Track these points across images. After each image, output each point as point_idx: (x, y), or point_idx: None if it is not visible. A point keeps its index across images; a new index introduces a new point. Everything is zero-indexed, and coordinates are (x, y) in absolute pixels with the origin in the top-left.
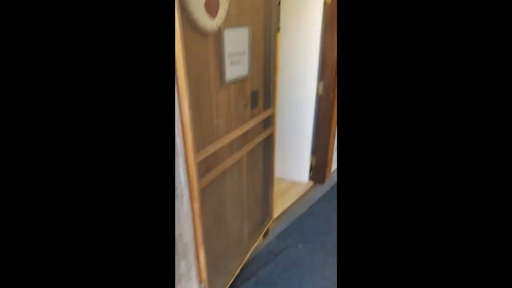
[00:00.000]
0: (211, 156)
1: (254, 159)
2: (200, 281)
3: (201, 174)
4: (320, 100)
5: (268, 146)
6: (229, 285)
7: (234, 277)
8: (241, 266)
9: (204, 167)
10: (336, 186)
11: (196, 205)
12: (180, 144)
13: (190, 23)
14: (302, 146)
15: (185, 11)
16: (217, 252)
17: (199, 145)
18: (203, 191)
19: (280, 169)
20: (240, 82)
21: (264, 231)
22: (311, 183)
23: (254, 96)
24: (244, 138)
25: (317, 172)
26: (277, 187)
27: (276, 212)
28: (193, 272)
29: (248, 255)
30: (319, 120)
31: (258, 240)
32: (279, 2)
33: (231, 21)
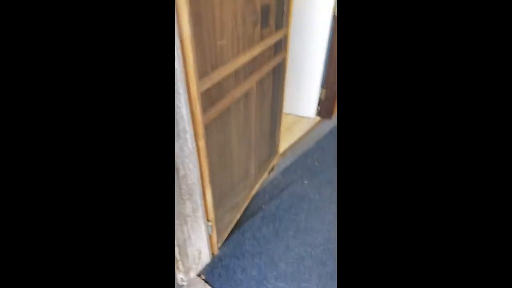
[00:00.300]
0: (215, 85)
1: (263, 90)
2: (207, 221)
3: (205, 107)
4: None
5: (278, 75)
6: (235, 221)
7: (240, 214)
8: (247, 203)
9: (208, 99)
10: None
11: (202, 142)
12: (179, 68)
13: None
14: (312, 78)
15: None
16: (224, 189)
17: (202, 72)
18: (208, 126)
19: (288, 103)
20: None
21: (270, 168)
22: (318, 118)
23: (265, 12)
24: (253, 64)
25: (325, 106)
26: (282, 122)
27: (281, 148)
28: (200, 213)
29: (254, 191)
30: (332, 48)
31: (264, 176)
32: None
33: None
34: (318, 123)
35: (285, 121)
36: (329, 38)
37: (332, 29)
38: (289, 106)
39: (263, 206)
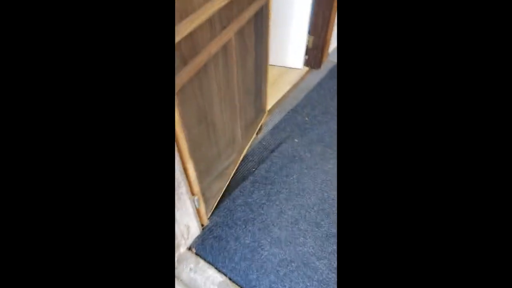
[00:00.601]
0: (186, 39)
1: (244, 41)
2: (192, 195)
3: (176, 67)
4: None
5: (261, 22)
6: (224, 188)
7: (229, 180)
8: (235, 168)
9: (178, 57)
10: (334, 70)
11: (175, 112)
12: None
13: None
14: (298, 24)
15: None
16: (209, 158)
17: None
18: (182, 91)
19: (272, 54)
20: None
21: (258, 128)
22: (306, 68)
23: None
24: (230, 10)
25: (314, 55)
26: (268, 75)
27: (269, 105)
28: (183, 189)
29: (242, 156)
30: None
31: (252, 138)
32: None
33: None
34: (306, 73)
35: (271, 74)
36: None
37: None
38: (274, 56)
39: (253, 170)
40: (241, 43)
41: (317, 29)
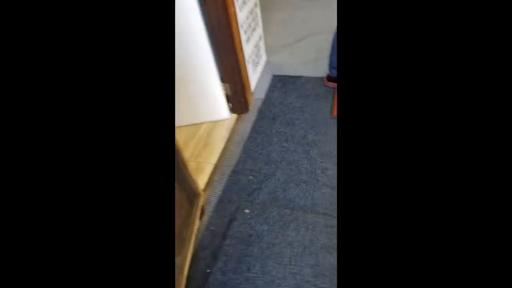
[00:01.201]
0: None
1: None
2: None
3: None
4: (206, 4)
5: None
6: None
7: None
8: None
9: None
10: (263, 109)
11: None
12: None
13: None
14: (206, 75)
15: None
16: None
17: None
18: None
19: (192, 113)
20: None
21: (199, 214)
22: (235, 116)
23: None
24: None
25: (237, 100)
26: (195, 137)
27: (205, 174)
28: None
29: (186, 270)
30: (214, 32)
31: (192, 241)
32: None
33: None
34: (236, 122)
35: (199, 134)
36: (205, 25)
37: (204, 16)
38: (196, 114)
39: (208, 273)
40: None
41: (228, 75)
